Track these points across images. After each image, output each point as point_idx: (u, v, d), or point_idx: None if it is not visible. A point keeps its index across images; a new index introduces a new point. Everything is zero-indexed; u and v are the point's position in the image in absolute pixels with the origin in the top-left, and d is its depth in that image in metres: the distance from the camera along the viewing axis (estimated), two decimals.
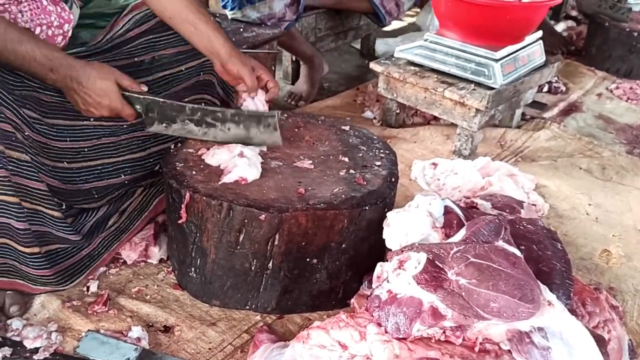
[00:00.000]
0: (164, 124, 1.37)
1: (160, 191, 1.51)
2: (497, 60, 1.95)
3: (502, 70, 1.95)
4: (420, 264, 1.05)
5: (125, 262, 1.47)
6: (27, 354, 1.20)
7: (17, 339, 1.23)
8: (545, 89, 2.74)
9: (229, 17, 2.23)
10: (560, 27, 3.69)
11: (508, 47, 2.00)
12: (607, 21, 2.99)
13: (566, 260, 1.17)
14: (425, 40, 2.10)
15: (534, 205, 1.81)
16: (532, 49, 2.12)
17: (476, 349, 0.99)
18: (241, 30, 2.16)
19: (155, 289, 1.41)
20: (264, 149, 1.43)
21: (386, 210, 1.32)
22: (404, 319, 1.01)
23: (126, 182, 1.45)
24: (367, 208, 1.28)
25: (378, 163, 1.44)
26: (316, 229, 1.25)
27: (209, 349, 1.26)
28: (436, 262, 1.06)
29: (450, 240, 1.16)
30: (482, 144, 2.21)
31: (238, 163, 1.31)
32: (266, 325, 1.33)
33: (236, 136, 1.39)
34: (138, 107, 1.33)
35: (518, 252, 1.11)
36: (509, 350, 0.99)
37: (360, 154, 1.48)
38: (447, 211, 1.24)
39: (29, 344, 1.22)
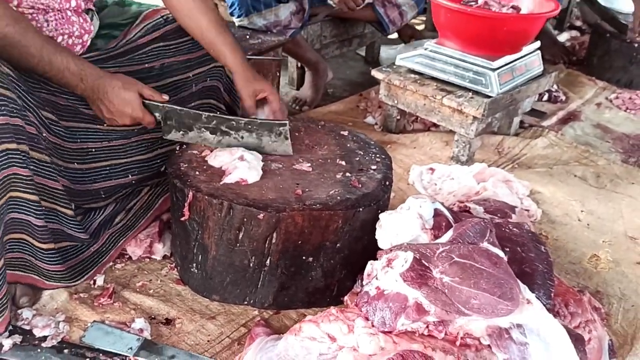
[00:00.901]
0: (181, 132, 1.45)
1: (166, 190, 1.58)
2: (494, 70, 2.01)
3: (498, 79, 2.01)
4: (407, 263, 1.11)
5: (130, 257, 1.54)
6: (36, 342, 1.27)
7: (27, 327, 1.30)
8: (546, 97, 2.79)
9: (236, 24, 2.30)
10: (564, 36, 3.74)
11: (505, 57, 2.05)
12: (608, 32, 3.04)
13: (548, 262, 1.23)
14: (425, 49, 2.16)
15: (528, 210, 1.87)
16: (529, 59, 2.18)
17: (457, 343, 1.05)
18: (247, 37, 2.24)
19: (159, 283, 1.48)
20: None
21: (380, 211, 1.38)
22: (390, 313, 1.07)
23: (133, 182, 1.53)
24: (361, 209, 1.34)
25: (374, 167, 1.51)
26: (312, 228, 1.32)
27: (208, 341, 1.32)
28: (422, 261, 1.12)
29: (438, 241, 1.22)
30: (481, 150, 2.27)
31: (239, 165, 1.38)
32: (263, 320, 1.39)
33: (248, 144, 1.46)
34: (157, 115, 1.41)
35: (502, 253, 1.17)
36: (489, 345, 1.05)
37: (357, 158, 1.54)
38: (437, 214, 1.30)
39: (37, 333, 1.28)
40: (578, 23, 3.96)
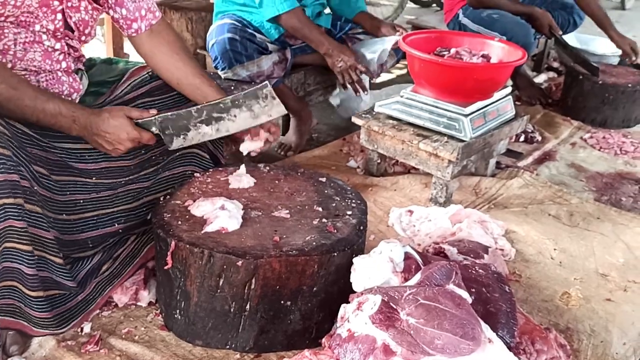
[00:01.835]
0: (181, 137, 1.51)
1: (151, 239, 1.64)
2: (466, 115, 2.10)
3: (471, 124, 2.10)
4: (375, 305, 1.18)
5: (117, 304, 1.60)
6: None
7: None
8: (522, 138, 2.89)
9: (222, 76, 2.41)
10: (541, 78, 3.88)
11: (477, 102, 2.16)
12: (581, 74, 3.17)
13: (512, 302, 1.30)
14: (402, 96, 2.26)
15: (502, 250, 1.94)
16: (501, 104, 2.28)
17: None
18: (232, 88, 2.33)
19: (144, 330, 1.53)
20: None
21: (354, 255, 1.45)
22: (359, 355, 1.13)
23: (120, 231, 1.59)
24: (335, 254, 1.41)
25: (349, 212, 1.58)
26: (289, 273, 1.38)
27: None
28: (390, 303, 1.18)
29: (407, 283, 1.29)
30: (459, 191, 2.36)
31: (219, 214, 1.45)
32: None
33: (245, 120, 1.50)
34: (154, 129, 1.49)
35: (466, 295, 1.23)
36: None
37: (334, 204, 1.62)
38: (407, 257, 1.38)
39: None
40: (555, 64, 4.10)
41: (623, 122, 3.16)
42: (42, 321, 1.40)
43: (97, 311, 1.56)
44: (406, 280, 1.33)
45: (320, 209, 1.58)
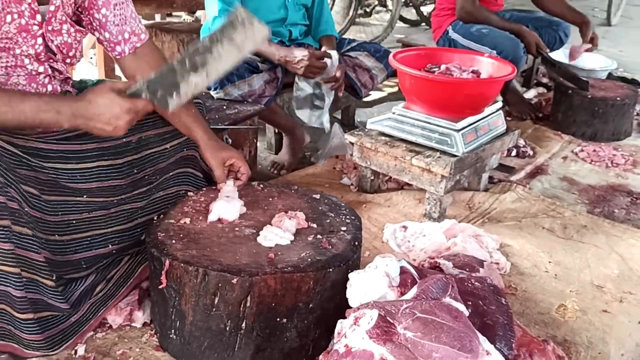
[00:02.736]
0: (174, 94, 1.34)
1: (145, 259, 1.63)
2: (458, 131, 2.12)
3: (463, 139, 2.12)
4: (372, 320, 1.17)
5: (111, 326, 1.58)
6: None
7: None
8: (514, 153, 2.91)
9: (214, 96, 2.42)
10: (531, 93, 3.91)
11: (468, 118, 2.18)
12: (570, 89, 3.21)
13: (508, 314, 1.29)
14: (394, 113, 2.28)
15: (497, 263, 1.94)
16: (492, 119, 2.30)
17: None
18: (224, 107, 2.35)
19: (138, 351, 1.51)
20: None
21: (350, 271, 1.44)
22: None
23: (114, 251, 1.58)
24: (330, 270, 1.41)
25: (344, 228, 1.58)
26: (285, 290, 1.38)
27: None
28: (387, 317, 1.18)
29: (403, 297, 1.29)
30: (452, 206, 2.36)
31: (219, 202, 1.56)
32: None
33: (231, 53, 1.34)
34: (144, 95, 1.36)
35: (463, 307, 1.23)
36: None
37: (328, 220, 1.62)
38: (403, 271, 1.37)
39: None
40: (544, 80, 4.15)
41: (613, 135, 3.18)
42: (33, 343, 1.38)
43: (91, 332, 1.54)
44: (402, 294, 1.32)
45: (314, 226, 1.58)
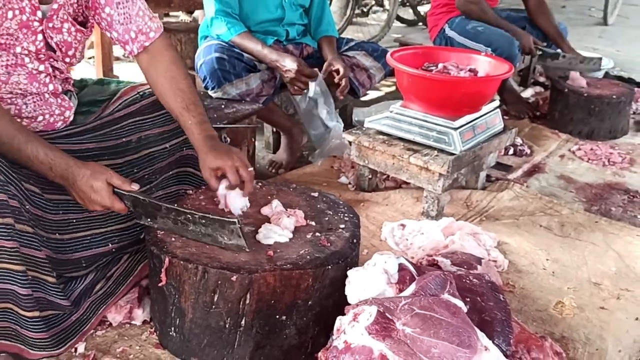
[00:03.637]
0: (148, 219, 1.47)
1: (144, 257, 1.64)
2: (455, 129, 2.13)
3: (460, 137, 2.13)
4: (371, 316, 1.18)
5: (111, 324, 1.58)
6: None
7: None
8: (511, 151, 2.92)
9: (212, 96, 2.42)
10: (528, 92, 3.92)
11: (466, 116, 2.18)
12: (567, 87, 3.22)
13: (506, 310, 1.30)
14: (391, 111, 2.29)
15: (495, 261, 1.95)
16: (490, 117, 2.31)
17: None
18: (222, 106, 2.35)
19: (138, 349, 1.52)
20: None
21: (348, 268, 1.45)
22: None
23: (113, 250, 1.59)
24: (329, 267, 1.41)
25: (342, 226, 1.59)
26: (284, 287, 1.38)
27: None
28: (386, 314, 1.19)
29: (402, 294, 1.29)
30: (450, 205, 2.37)
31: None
32: None
33: (206, 236, 1.44)
34: (126, 202, 1.44)
35: (461, 304, 1.24)
36: None
37: (327, 218, 1.62)
38: (401, 268, 1.38)
39: None
40: (541, 79, 4.16)
41: (610, 133, 3.20)
42: (39, 342, 1.38)
43: (91, 331, 1.54)
44: (401, 291, 1.33)
45: (313, 223, 1.59)
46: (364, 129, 2.40)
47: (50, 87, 1.55)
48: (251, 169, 1.58)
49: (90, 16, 1.62)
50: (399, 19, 6.26)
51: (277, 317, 1.41)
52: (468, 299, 1.30)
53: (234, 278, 1.34)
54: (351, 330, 1.19)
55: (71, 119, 1.64)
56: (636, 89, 3.45)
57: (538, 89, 4.03)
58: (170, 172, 1.75)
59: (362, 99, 3.47)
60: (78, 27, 1.58)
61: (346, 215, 1.65)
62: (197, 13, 4.54)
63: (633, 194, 2.59)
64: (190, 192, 1.71)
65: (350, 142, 2.40)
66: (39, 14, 1.47)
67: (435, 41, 3.46)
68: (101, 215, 1.56)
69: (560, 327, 1.69)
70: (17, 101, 1.49)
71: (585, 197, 2.55)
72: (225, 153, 1.56)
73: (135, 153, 1.66)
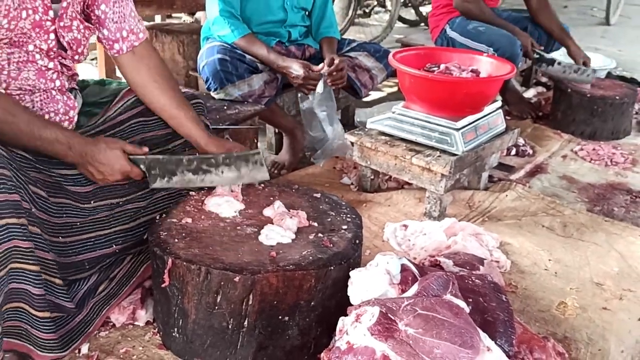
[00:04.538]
0: (165, 179, 1.55)
1: (147, 258, 1.64)
2: (457, 130, 2.13)
3: (462, 138, 2.13)
4: (374, 317, 1.18)
5: (114, 325, 1.59)
6: None
7: None
8: (513, 152, 2.92)
9: (215, 97, 2.43)
10: (530, 93, 3.92)
11: (468, 117, 2.19)
12: (570, 87, 3.22)
13: (509, 311, 1.30)
14: (394, 112, 2.29)
15: (497, 261, 1.95)
16: (492, 118, 2.31)
17: None
18: (225, 108, 2.35)
19: (141, 349, 1.52)
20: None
21: (351, 269, 1.45)
22: None
23: (117, 251, 1.59)
24: (332, 268, 1.42)
25: (344, 227, 1.59)
26: (286, 288, 1.39)
27: None
28: (388, 314, 1.19)
29: (404, 295, 1.30)
30: (452, 205, 2.37)
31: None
32: None
33: (229, 177, 1.56)
34: (142, 166, 1.53)
35: (464, 304, 1.24)
36: None
37: (329, 219, 1.63)
38: (404, 269, 1.38)
39: None
40: (544, 79, 4.15)
41: (612, 133, 3.20)
42: (48, 343, 1.38)
43: (95, 332, 1.55)
44: (403, 291, 1.33)
45: (315, 224, 1.59)
46: (366, 129, 2.40)
47: (57, 83, 1.58)
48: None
49: (89, 12, 1.63)
50: (401, 19, 6.26)
51: (280, 317, 1.42)
52: (470, 300, 1.30)
53: (236, 279, 1.35)
54: (354, 330, 1.19)
55: (75, 118, 1.64)
56: (639, 89, 3.45)
57: (540, 89, 4.03)
58: None
59: (364, 99, 3.48)
60: (85, 24, 1.60)
61: (348, 216, 1.65)
62: (199, 14, 4.55)
63: (635, 194, 2.59)
64: (193, 192, 1.71)
65: (352, 143, 2.40)
66: (51, 13, 1.50)
67: (436, 42, 3.46)
68: (105, 217, 1.56)
69: (562, 327, 1.69)
70: (25, 97, 1.51)
71: (587, 198, 2.54)
72: (225, 140, 1.70)
73: None
